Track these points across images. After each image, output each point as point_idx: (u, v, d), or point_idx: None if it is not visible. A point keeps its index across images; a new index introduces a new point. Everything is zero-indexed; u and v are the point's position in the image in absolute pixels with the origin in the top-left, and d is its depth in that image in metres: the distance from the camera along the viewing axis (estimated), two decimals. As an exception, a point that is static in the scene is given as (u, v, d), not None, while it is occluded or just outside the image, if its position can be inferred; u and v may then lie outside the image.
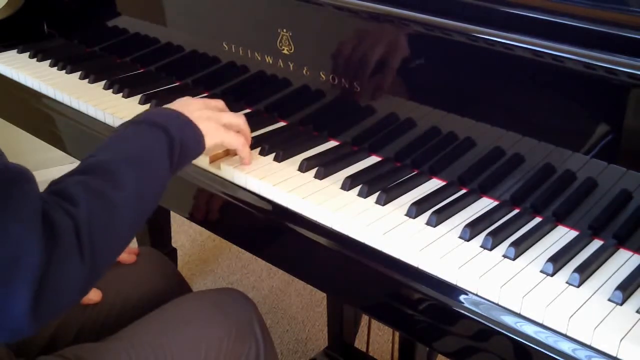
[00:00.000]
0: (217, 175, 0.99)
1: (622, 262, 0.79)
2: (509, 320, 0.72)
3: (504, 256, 0.79)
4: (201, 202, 1.02)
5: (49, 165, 2.19)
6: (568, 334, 0.69)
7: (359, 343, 1.60)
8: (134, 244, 1.79)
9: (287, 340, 1.80)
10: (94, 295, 1.01)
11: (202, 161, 1.00)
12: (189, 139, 0.89)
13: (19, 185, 0.67)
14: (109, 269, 0.76)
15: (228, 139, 0.94)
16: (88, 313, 1.01)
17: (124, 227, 0.77)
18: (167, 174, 0.85)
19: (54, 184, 0.76)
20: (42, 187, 0.71)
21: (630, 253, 0.80)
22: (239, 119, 0.98)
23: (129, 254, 1.09)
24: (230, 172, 0.98)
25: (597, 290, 0.74)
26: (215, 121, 0.93)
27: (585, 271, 0.75)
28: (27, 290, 0.64)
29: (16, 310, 0.64)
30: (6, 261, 0.64)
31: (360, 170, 0.97)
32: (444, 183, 0.95)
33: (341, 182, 0.93)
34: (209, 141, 0.92)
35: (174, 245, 1.83)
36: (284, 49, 1.06)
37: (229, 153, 1.01)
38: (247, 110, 1.16)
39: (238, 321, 0.97)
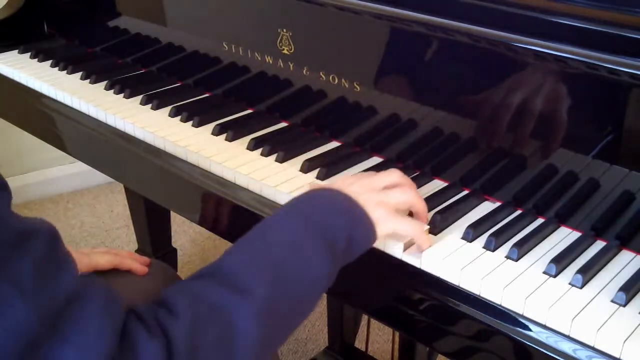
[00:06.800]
0: (215, 174, 0.99)
1: (625, 263, 0.79)
2: (511, 321, 0.72)
3: (507, 257, 0.79)
4: (199, 201, 1.02)
5: (49, 165, 2.17)
6: (571, 335, 0.69)
7: (359, 343, 1.59)
8: (134, 245, 1.79)
9: (287, 340, 1.79)
10: None
11: (203, 161, 1.00)
12: (359, 234, 0.73)
13: (82, 303, 0.52)
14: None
15: (402, 227, 0.78)
16: None
17: (244, 351, 0.57)
18: (323, 280, 0.68)
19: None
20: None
21: (633, 254, 0.80)
22: (410, 197, 0.81)
23: (142, 264, 0.97)
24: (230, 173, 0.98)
25: (600, 292, 0.73)
26: (386, 206, 0.78)
27: (588, 272, 0.75)
28: None
29: None
30: None
31: (363, 172, 0.97)
32: (446, 184, 0.94)
33: (343, 183, 0.93)
34: (380, 231, 0.76)
35: (174, 245, 1.83)
36: (284, 49, 1.06)
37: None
38: (249, 111, 1.16)
39: None
